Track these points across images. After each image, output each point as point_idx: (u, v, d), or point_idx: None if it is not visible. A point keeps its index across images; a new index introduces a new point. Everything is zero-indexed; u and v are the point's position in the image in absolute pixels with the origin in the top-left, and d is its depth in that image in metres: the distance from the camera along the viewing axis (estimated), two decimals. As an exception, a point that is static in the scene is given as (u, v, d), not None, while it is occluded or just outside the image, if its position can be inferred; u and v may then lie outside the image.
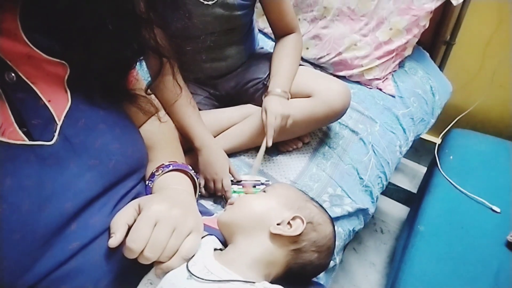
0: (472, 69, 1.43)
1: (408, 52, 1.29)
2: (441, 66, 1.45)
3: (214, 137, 0.93)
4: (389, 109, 1.18)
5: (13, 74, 0.44)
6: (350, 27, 1.24)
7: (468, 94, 1.45)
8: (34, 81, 0.45)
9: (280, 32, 1.01)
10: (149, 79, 0.83)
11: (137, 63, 0.58)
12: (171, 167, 0.59)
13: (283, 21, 0.98)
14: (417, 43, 1.32)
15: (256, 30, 1.12)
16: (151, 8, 0.51)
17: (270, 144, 0.87)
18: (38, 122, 0.44)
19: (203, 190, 0.88)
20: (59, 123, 0.46)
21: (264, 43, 1.30)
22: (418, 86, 1.28)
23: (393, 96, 1.23)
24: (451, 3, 1.19)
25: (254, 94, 1.02)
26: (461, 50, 1.42)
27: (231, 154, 0.97)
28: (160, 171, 0.59)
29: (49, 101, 0.46)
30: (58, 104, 0.47)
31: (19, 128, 0.43)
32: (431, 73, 1.35)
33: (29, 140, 0.43)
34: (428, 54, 1.42)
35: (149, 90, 0.61)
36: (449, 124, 1.44)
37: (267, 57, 1.04)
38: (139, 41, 0.52)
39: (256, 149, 0.95)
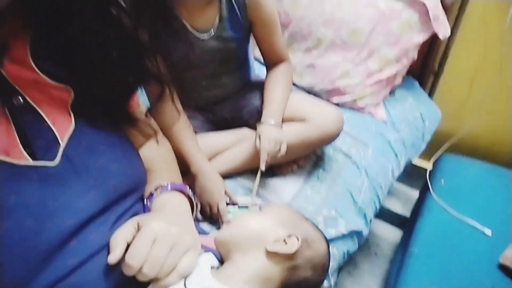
0: (461, 96, 1.49)
1: (398, 81, 1.35)
2: (430, 94, 1.51)
3: (210, 159, 0.96)
4: (381, 134, 1.22)
5: (20, 98, 0.47)
6: (343, 56, 1.29)
7: (458, 121, 1.50)
8: (40, 104, 0.48)
9: (271, 61, 1.06)
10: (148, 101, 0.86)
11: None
12: (169, 187, 0.61)
13: (274, 52, 1.04)
14: (406, 72, 1.38)
15: (251, 59, 1.17)
16: (155, 38, 0.54)
17: (263, 168, 0.90)
18: (42, 143, 0.47)
19: (199, 215, 0.90)
20: (62, 145, 0.48)
21: (260, 71, 1.34)
22: (409, 112, 1.33)
23: (385, 122, 1.27)
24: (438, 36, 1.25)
25: (249, 120, 1.06)
26: (450, 79, 1.48)
27: (227, 176, 0.99)
28: (158, 191, 0.60)
29: (53, 123, 0.49)
30: (62, 127, 0.49)
31: (24, 149, 0.45)
32: (420, 101, 1.40)
33: (33, 161, 0.45)
34: (417, 82, 1.48)
35: (148, 114, 0.64)
36: (440, 150, 1.48)
37: (262, 84, 1.08)
38: (142, 69, 0.56)
39: (252, 171, 0.97)
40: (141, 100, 0.67)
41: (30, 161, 0.45)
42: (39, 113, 0.48)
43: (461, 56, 1.42)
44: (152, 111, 0.66)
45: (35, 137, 0.47)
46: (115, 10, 0.50)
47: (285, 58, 1.06)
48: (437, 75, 1.48)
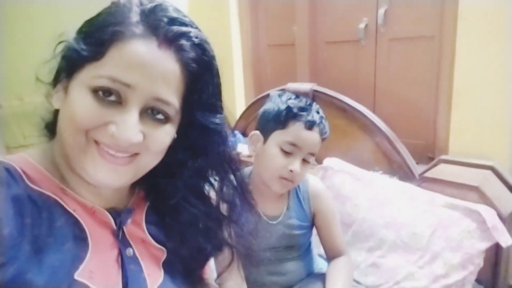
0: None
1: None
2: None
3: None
4: None
5: (131, 250, 0.61)
6: (406, 258, 1.34)
7: None
8: (142, 258, 0.62)
9: (331, 252, 1.15)
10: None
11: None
12: None
13: (333, 242, 1.14)
14: (476, 280, 1.34)
15: (315, 252, 1.27)
16: (232, 210, 0.69)
17: None
18: None
19: None
20: None
21: (324, 265, 1.41)
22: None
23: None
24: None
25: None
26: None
27: None
28: None
29: (148, 275, 0.61)
30: (153, 279, 0.62)
31: None
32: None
33: None
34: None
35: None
36: None
37: (324, 276, 1.13)
38: (219, 238, 0.69)
39: None
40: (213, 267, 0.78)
41: None
42: (140, 265, 0.61)
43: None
44: (219, 278, 0.77)
45: (133, 283, 0.59)
46: (207, 187, 0.68)
47: (344, 251, 1.15)
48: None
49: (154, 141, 0.54)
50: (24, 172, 0.53)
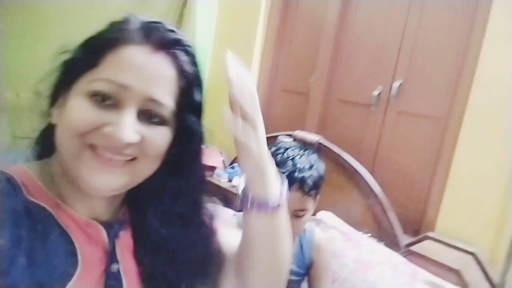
0: None
1: None
2: None
3: None
4: None
5: (117, 267, 0.60)
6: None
7: None
8: (127, 273, 0.60)
9: None
10: None
11: None
12: None
13: None
14: None
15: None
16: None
17: None
18: None
19: None
20: None
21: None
22: None
23: None
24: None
25: None
26: None
27: None
28: None
29: None
30: None
31: None
32: None
33: None
34: None
35: None
36: None
37: None
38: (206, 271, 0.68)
39: None
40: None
41: None
42: (121, 281, 0.60)
43: None
44: None
45: None
46: (196, 220, 0.66)
47: None
48: None
49: (151, 144, 0.54)
50: (24, 184, 0.54)
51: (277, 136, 2.06)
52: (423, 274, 1.43)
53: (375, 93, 1.99)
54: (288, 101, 2.46)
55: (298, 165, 1.03)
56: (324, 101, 2.23)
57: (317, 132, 2.11)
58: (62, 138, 0.53)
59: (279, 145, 1.12)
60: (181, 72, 0.56)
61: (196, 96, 0.60)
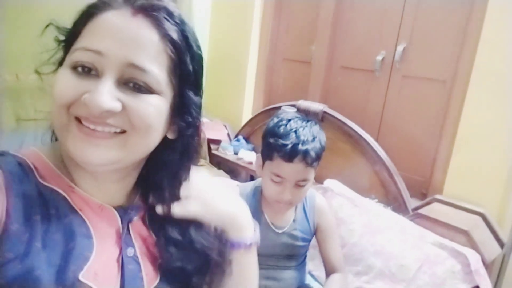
0: None
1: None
2: None
3: None
4: None
5: (133, 251, 0.59)
6: (390, 287, 1.41)
7: None
8: (142, 257, 0.60)
9: (329, 266, 1.21)
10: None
11: None
12: None
13: (331, 257, 1.20)
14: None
15: (307, 267, 1.33)
16: None
17: None
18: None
19: None
20: None
21: (311, 283, 1.47)
22: None
23: None
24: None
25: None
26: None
27: None
28: None
29: (146, 274, 0.59)
30: (150, 278, 0.60)
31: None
32: None
33: None
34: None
35: None
36: None
37: None
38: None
39: None
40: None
41: None
42: (139, 264, 0.59)
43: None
44: None
45: (130, 284, 0.57)
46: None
47: (341, 267, 1.21)
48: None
49: (136, 113, 0.51)
50: (36, 168, 0.53)
51: (280, 106, 2.04)
52: (432, 236, 1.45)
53: (379, 58, 1.95)
54: (290, 71, 2.42)
55: (302, 138, 1.04)
56: (326, 68, 2.20)
57: (320, 101, 2.09)
58: (52, 112, 0.52)
59: (282, 116, 1.12)
60: (165, 36, 0.52)
61: (190, 67, 0.56)
